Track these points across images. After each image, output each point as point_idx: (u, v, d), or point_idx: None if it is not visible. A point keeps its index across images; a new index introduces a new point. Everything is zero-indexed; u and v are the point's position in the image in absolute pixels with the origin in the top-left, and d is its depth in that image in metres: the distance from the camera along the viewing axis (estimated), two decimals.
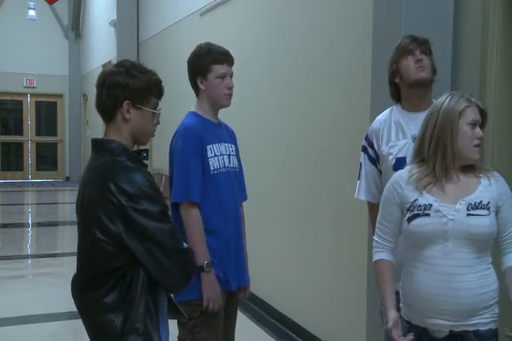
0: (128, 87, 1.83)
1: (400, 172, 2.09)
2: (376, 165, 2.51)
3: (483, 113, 1.99)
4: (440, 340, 1.95)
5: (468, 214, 1.91)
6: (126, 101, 1.84)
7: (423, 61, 2.38)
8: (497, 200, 1.95)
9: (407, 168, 2.08)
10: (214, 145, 2.56)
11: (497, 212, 1.96)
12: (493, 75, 2.71)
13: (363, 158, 2.56)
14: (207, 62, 2.55)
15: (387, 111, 2.52)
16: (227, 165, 2.59)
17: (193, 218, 2.47)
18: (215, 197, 2.55)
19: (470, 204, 1.92)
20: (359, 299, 3.27)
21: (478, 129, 1.96)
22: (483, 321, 1.92)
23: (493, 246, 2.00)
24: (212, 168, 2.53)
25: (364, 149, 2.55)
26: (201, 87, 2.58)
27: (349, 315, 3.54)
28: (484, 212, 1.92)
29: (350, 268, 3.53)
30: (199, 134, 2.53)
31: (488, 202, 1.93)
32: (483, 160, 2.09)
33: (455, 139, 1.93)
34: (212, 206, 2.54)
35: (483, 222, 1.91)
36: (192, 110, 2.65)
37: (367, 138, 2.55)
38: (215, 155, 2.55)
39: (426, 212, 1.93)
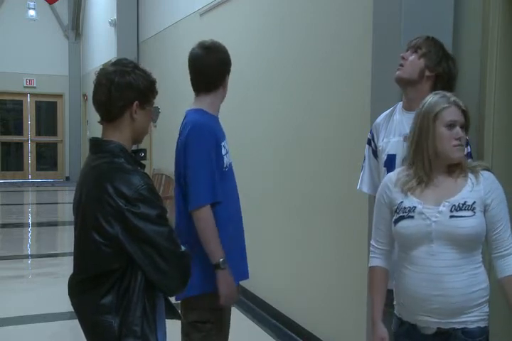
0: (139, 87, 1.84)
1: (389, 174, 2.12)
2: (377, 159, 2.53)
3: (465, 113, 1.97)
4: (429, 336, 1.97)
5: (451, 216, 1.90)
6: (136, 102, 1.84)
7: (403, 59, 2.38)
8: (484, 199, 1.92)
9: (397, 170, 2.10)
10: (225, 142, 2.54)
11: (485, 211, 1.93)
12: (493, 75, 2.70)
13: (367, 150, 2.59)
14: None
15: (392, 107, 2.54)
16: (230, 161, 2.58)
17: (210, 217, 2.39)
18: (233, 195, 2.57)
19: (454, 205, 1.91)
20: (359, 299, 3.27)
21: (457, 129, 1.94)
22: (471, 319, 1.93)
23: (484, 244, 1.98)
24: (225, 166, 2.50)
25: (368, 142, 2.58)
26: (220, 84, 2.54)
27: (349, 315, 3.54)
28: (468, 213, 1.90)
29: (350, 268, 3.53)
30: (215, 132, 2.48)
31: (474, 202, 1.91)
32: (478, 159, 2.06)
33: (432, 141, 1.94)
34: (232, 203, 2.54)
35: (467, 223, 1.89)
36: (198, 107, 2.53)
37: (371, 131, 2.57)
38: (227, 152, 2.53)
39: (410, 214, 1.94)
